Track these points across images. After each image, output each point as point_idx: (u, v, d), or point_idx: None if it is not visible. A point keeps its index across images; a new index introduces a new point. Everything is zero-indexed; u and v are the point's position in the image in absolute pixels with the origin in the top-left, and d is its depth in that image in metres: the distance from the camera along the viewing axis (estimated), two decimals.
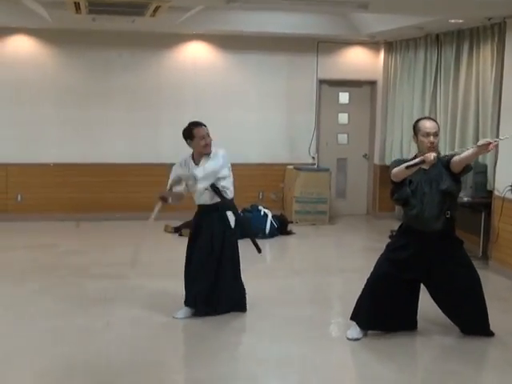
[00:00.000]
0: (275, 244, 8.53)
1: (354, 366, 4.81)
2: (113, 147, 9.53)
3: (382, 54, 10.07)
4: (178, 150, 5.83)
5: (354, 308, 5.08)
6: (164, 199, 5.43)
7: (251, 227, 7.83)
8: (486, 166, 7.41)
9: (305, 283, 6.77)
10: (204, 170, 5.26)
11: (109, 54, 9.46)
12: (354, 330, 5.02)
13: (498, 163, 7.16)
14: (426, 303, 5.17)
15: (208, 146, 5.30)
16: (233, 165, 5.45)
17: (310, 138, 10.08)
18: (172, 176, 5.47)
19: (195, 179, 5.27)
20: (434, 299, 5.10)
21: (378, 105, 10.19)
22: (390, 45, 9.79)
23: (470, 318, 5.03)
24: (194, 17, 8.40)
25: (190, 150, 5.44)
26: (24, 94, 9.27)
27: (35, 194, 9.37)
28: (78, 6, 7.21)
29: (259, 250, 5.51)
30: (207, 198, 5.37)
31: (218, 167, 5.28)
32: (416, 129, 4.86)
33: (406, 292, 5.01)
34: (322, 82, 10.11)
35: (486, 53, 7.50)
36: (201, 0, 7.40)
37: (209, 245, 5.33)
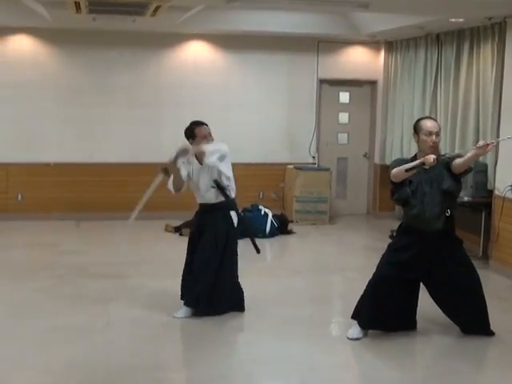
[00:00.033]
0: (275, 243, 8.54)
1: (355, 366, 4.81)
2: (113, 147, 9.52)
3: (382, 54, 10.07)
4: None
5: (356, 307, 5.08)
6: (166, 172, 5.22)
7: (251, 227, 7.83)
8: (486, 166, 7.41)
9: (305, 282, 6.76)
10: (211, 146, 5.21)
11: (109, 53, 9.45)
12: (355, 330, 5.02)
13: (498, 163, 7.15)
14: (425, 303, 5.17)
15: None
16: (233, 164, 5.43)
17: (311, 137, 10.08)
18: (175, 152, 5.21)
19: (199, 166, 5.23)
20: (434, 299, 5.11)
21: (379, 104, 10.19)
22: (391, 44, 9.78)
23: (470, 318, 5.03)
24: (194, 16, 8.40)
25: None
26: (24, 93, 9.26)
27: (35, 194, 9.37)
28: (78, 6, 7.21)
29: (258, 251, 5.49)
30: (212, 196, 5.35)
31: (222, 146, 5.23)
32: (418, 128, 4.86)
33: (407, 292, 5.01)
34: (322, 81, 10.10)
35: (487, 52, 7.50)
36: None
37: (213, 244, 5.31)
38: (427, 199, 4.78)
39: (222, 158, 5.22)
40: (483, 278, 5.13)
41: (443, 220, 4.80)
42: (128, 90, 9.51)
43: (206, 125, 5.38)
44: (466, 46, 7.91)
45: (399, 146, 9.41)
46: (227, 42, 9.60)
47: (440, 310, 5.12)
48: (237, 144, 9.10)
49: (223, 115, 9.49)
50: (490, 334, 5.06)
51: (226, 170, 5.31)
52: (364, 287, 5.07)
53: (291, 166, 9.86)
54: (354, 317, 5.08)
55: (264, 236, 8.49)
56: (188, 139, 5.36)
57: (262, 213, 8.86)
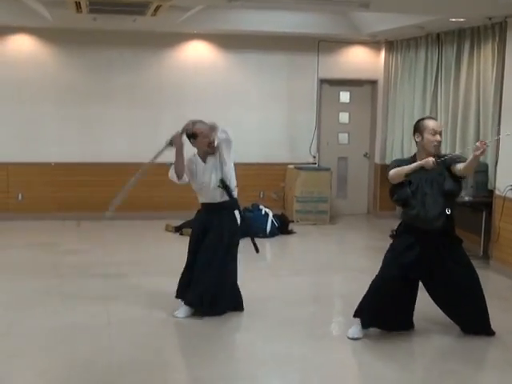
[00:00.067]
0: (276, 243, 8.54)
1: (355, 365, 4.81)
2: (113, 146, 9.52)
3: (382, 54, 10.06)
4: None
5: (359, 305, 5.06)
6: (171, 144, 5.31)
7: (251, 227, 7.82)
8: (486, 166, 7.40)
9: (306, 282, 6.76)
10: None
11: (109, 53, 9.45)
12: (355, 329, 5.01)
13: (498, 162, 7.16)
14: (425, 303, 5.17)
15: (212, 144, 5.30)
16: (234, 164, 5.43)
17: (311, 137, 10.07)
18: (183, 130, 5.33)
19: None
20: (433, 298, 5.11)
21: (379, 104, 10.19)
22: (391, 44, 9.78)
23: (470, 318, 5.04)
24: (194, 16, 8.40)
25: (191, 150, 5.44)
26: (25, 93, 9.26)
27: (36, 193, 9.38)
28: (78, 6, 7.21)
29: (257, 250, 5.49)
30: (217, 195, 5.35)
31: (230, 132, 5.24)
32: (421, 128, 4.84)
33: (408, 291, 5.01)
34: (322, 81, 10.10)
35: (487, 52, 7.50)
36: None
37: (218, 244, 5.30)
38: (428, 200, 4.78)
39: (228, 143, 5.22)
40: (483, 278, 5.13)
41: (443, 219, 4.80)
42: (128, 90, 9.51)
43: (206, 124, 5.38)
44: (467, 46, 7.90)
45: (400, 145, 9.41)
46: (228, 41, 9.60)
47: (440, 310, 5.13)
48: (237, 144, 9.03)
49: (223, 115, 9.45)
50: (491, 333, 5.06)
51: (231, 172, 5.34)
52: (364, 287, 5.06)
53: (292, 166, 9.86)
54: (356, 315, 5.07)
55: (264, 236, 8.49)
56: (190, 139, 5.38)
57: (263, 212, 8.86)
